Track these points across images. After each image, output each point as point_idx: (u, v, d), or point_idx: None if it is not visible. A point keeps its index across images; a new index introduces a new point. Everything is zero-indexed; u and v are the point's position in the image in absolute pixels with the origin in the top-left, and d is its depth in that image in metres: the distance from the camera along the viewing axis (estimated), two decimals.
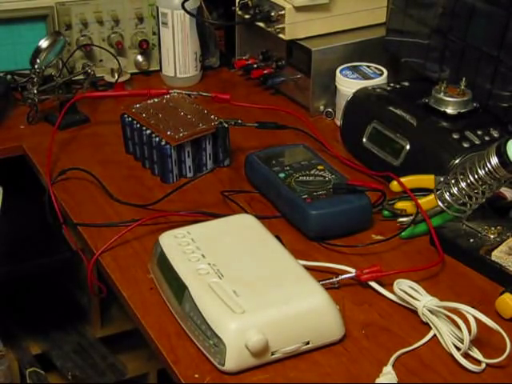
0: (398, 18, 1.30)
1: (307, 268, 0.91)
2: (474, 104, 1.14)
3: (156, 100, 1.24)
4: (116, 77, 1.42)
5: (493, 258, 0.96)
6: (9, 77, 1.40)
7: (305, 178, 1.07)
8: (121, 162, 1.23)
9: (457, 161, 1.06)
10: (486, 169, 0.97)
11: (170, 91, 1.28)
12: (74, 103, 1.32)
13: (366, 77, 1.29)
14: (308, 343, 0.84)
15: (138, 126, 1.19)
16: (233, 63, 1.49)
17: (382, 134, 1.16)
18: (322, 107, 1.36)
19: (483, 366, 0.82)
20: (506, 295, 0.89)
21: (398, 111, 1.15)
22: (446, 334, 0.84)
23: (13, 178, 1.30)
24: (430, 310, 0.87)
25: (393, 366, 0.82)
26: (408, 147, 1.12)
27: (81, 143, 1.28)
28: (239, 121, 1.20)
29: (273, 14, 1.33)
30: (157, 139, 1.16)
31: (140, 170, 1.21)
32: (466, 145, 1.08)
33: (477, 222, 1.02)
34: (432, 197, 1.03)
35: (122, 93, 1.40)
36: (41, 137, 1.28)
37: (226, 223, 0.98)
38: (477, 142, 1.08)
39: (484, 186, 0.99)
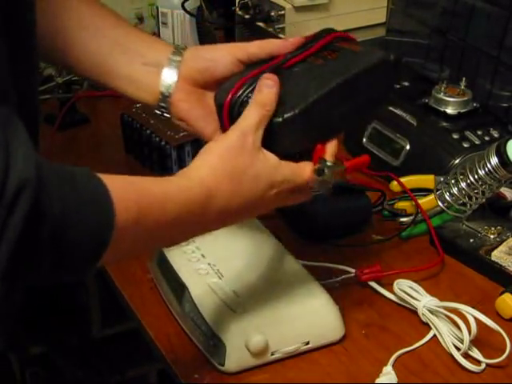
0: (398, 18, 1.30)
1: (307, 268, 0.91)
2: (474, 104, 1.14)
3: None
4: None
5: (493, 258, 0.96)
6: None
7: None
8: (121, 162, 1.23)
9: (457, 161, 1.06)
10: (486, 169, 0.97)
11: None
12: (73, 103, 1.32)
13: None
14: (308, 343, 0.84)
15: (138, 125, 1.19)
16: None
17: (382, 134, 1.16)
18: None
19: (483, 366, 0.82)
20: (506, 295, 0.89)
21: (398, 111, 1.15)
22: (445, 334, 0.84)
23: None
24: (429, 310, 0.87)
25: (393, 366, 0.82)
26: (408, 147, 1.12)
27: (81, 143, 1.28)
28: None
29: (273, 13, 1.33)
30: (157, 139, 1.16)
31: (140, 170, 1.21)
32: (465, 145, 1.08)
33: (477, 222, 1.02)
34: (432, 197, 1.03)
35: None
36: (41, 137, 1.28)
37: None
38: (477, 142, 1.09)
39: (484, 186, 0.99)
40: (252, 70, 0.82)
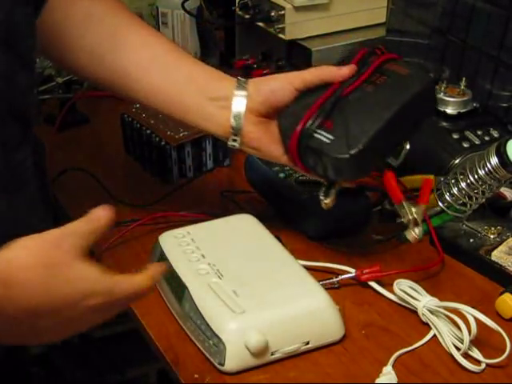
0: (398, 18, 1.30)
1: (307, 268, 0.91)
2: (474, 104, 1.14)
3: None
4: None
5: (493, 258, 0.96)
6: None
7: (305, 177, 1.07)
8: (121, 161, 1.23)
9: (457, 161, 1.06)
10: (486, 169, 0.97)
11: None
12: (74, 103, 1.32)
13: None
14: (308, 343, 0.84)
15: (138, 125, 1.19)
16: (233, 63, 1.49)
17: None
18: None
19: (483, 366, 0.82)
20: (506, 295, 0.89)
21: None
22: (445, 334, 0.85)
23: None
24: (429, 310, 0.87)
25: (393, 366, 0.82)
26: (408, 147, 1.11)
27: (81, 143, 1.28)
28: None
29: (273, 13, 1.33)
30: (157, 139, 1.16)
31: (140, 170, 1.21)
32: (465, 145, 1.08)
33: (477, 222, 1.02)
34: (432, 197, 1.03)
35: None
36: (41, 137, 1.28)
37: (226, 223, 0.98)
38: (477, 142, 1.08)
39: (484, 186, 0.99)
40: (310, 101, 0.90)
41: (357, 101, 0.90)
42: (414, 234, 0.90)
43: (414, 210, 0.91)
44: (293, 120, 0.89)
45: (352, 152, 0.86)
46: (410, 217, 0.90)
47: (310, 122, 0.88)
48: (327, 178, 0.93)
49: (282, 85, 0.92)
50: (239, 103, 0.92)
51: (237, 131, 0.92)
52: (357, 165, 0.88)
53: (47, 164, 1.03)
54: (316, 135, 0.88)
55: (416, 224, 0.90)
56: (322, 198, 0.94)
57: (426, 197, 0.94)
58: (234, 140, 0.93)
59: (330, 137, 0.88)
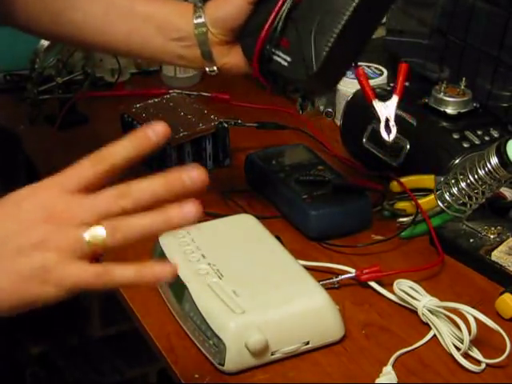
0: (398, 18, 1.30)
1: (307, 268, 0.91)
2: (474, 104, 1.14)
3: (156, 100, 1.24)
4: (116, 77, 1.42)
5: (493, 258, 0.96)
6: (8, 77, 1.40)
7: (305, 177, 1.07)
8: None
9: (457, 161, 1.06)
10: (486, 169, 0.97)
11: (170, 91, 1.28)
12: (73, 103, 1.32)
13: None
14: (308, 343, 0.84)
15: (138, 126, 1.19)
16: None
17: None
18: (321, 107, 1.36)
19: (483, 366, 0.82)
20: (506, 295, 0.89)
21: (398, 111, 1.15)
22: (445, 334, 0.84)
23: None
24: (430, 310, 0.87)
25: (393, 366, 0.82)
26: (408, 147, 1.12)
27: (81, 143, 1.28)
28: (239, 121, 1.20)
29: None
30: None
31: (140, 170, 1.20)
32: (465, 145, 1.08)
33: (477, 222, 1.02)
34: (432, 197, 1.03)
35: (121, 93, 1.40)
36: (41, 137, 1.28)
37: (226, 223, 0.98)
38: (477, 142, 1.08)
39: (484, 186, 0.99)
40: (265, 16, 0.87)
41: (309, 8, 0.86)
42: (385, 134, 0.89)
43: (385, 104, 0.89)
44: (251, 40, 0.89)
45: (310, 73, 0.84)
46: (380, 114, 0.89)
47: (266, 44, 0.87)
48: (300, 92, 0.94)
49: (236, 5, 0.91)
50: (203, 42, 0.93)
51: (212, 67, 0.95)
52: (322, 80, 0.87)
53: (19, 156, 1.01)
54: (275, 57, 0.87)
55: (388, 120, 0.89)
56: (298, 104, 0.98)
57: (400, 87, 0.91)
58: (213, 71, 0.96)
59: (288, 58, 0.87)
